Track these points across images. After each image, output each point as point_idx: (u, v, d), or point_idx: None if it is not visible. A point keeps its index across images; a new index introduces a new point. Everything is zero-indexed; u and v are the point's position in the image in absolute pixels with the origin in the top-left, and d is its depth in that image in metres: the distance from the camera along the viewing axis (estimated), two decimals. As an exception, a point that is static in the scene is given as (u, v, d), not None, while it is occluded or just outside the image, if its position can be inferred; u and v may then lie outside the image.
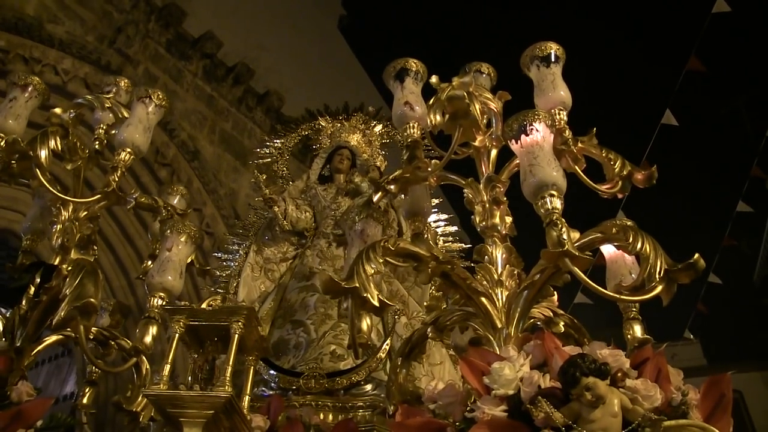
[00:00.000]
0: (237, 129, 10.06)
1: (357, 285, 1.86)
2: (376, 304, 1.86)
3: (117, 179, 2.44)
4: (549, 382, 1.60)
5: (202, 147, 9.42)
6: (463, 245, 3.44)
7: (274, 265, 3.54)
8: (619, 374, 1.57)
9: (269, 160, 3.97)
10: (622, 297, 1.90)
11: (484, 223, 2.18)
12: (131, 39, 8.85)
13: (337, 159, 3.85)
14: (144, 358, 2.35)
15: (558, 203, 1.88)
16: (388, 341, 3.02)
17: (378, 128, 3.99)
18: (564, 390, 1.54)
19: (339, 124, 3.99)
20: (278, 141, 4.06)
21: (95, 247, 2.41)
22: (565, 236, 1.81)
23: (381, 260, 1.94)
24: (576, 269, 1.79)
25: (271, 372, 2.98)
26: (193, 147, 9.20)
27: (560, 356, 1.64)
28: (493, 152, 2.36)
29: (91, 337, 2.30)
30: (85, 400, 2.46)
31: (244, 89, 10.26)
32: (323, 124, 4.01)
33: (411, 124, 2.28)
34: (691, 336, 12.52)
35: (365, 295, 1.85)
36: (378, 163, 3.85)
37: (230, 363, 2.10)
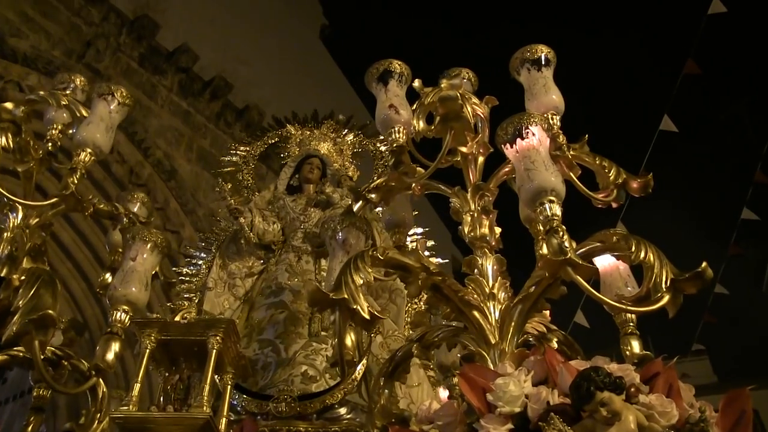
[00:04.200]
0: (216, 146, 9.76)
1: (345, 296, 1.75)
2: (367, 316, 1.76)
3: (75, 182, 2.24)
4: (557, 398, 1.53)
5: (179, 165, 9.17)
6: (441, 260, 3.27)
7: (238, 281, 3.33)
8: (633, 389, 1.49)
9: (233, 168, 3.77)
10: (628, 308, 1.82)
11: (472, 233, 2.08)
12: (101, 53, 8.63)
13: (307, 168, 3.68)
14: (101, 379, 2.15)
15: (558, 209, 1.80)
16: (364, 362, 2.82)
17: (349, 137, 3.85)
18: (575, 406, 1.47)
19: (308, 132, 3.84)
20: (243, 149, 3.86)
21: (45, 259, 2.20)
22: (566, 244, 1.73)
23: (370, 270, 1.82)
24: (579, 278, 1.71)
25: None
26: (169, 166, 8.96)
27: (568, 371, 1.55)
28: (480, 159, 2.26)
29: (42, 357, 2.07)
30: (29, 429, 2.22)
31: (222, 104, 10.08)
32: (292, 131, 3.85)
33: (396, 128, 2.18)
34: (702, 346, 12.22)
35: (354, 306, 1.75)
36: (350, 173, 3.71)
37: (208, 381, 1.96)
